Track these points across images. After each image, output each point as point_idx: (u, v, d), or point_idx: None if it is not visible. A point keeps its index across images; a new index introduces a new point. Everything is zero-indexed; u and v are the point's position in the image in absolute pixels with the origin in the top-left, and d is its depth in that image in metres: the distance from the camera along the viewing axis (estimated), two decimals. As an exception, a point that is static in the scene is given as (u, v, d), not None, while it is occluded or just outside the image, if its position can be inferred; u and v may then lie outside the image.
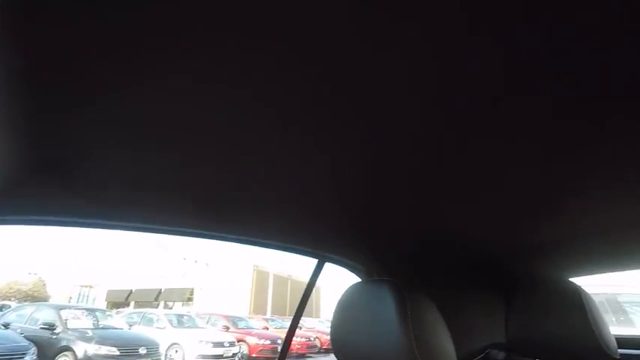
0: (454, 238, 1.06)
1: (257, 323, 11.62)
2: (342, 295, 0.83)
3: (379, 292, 0.74)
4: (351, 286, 0.83)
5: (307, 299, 1.14)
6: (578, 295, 0.99)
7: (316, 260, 1.11)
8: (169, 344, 8.16)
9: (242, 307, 16.26)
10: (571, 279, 1.05)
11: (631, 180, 0.72)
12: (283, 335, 9.78)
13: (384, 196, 0.83)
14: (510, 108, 0.55)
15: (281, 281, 18.12)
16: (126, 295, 18.50)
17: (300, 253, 1.09)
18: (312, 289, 1.14)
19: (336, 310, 0.83)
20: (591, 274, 1.19)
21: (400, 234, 1.03)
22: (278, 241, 1.05)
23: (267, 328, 11.33)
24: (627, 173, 0.70)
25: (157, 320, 9.06)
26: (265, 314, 15.50)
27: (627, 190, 0.75)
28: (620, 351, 0.99)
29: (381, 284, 0.75)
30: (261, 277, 17.85)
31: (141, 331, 8.14)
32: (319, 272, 1.12)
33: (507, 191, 0.79)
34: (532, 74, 0.49)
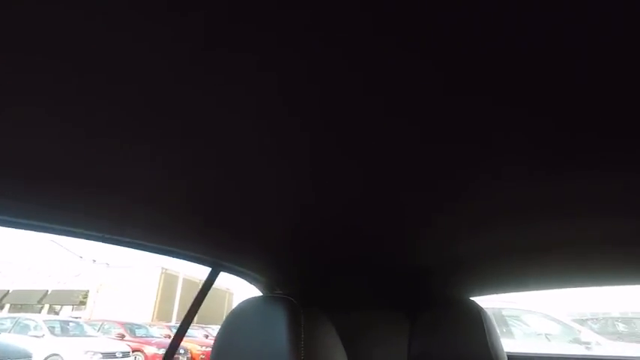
0: (359, 257, 0.99)
1: (159, 331, 10.71)
2: (231, 312, 0.69)
3: (271, 310, 0.62)
4: (241, 303, 0.69)
5: (197, 308, 0.97)
6: (478, 314, 0.97)
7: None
8: (47, 355, 7.05)
9: (144, 313, 14.94)
10: (472, 298, 1.04)
11: (533, 204, 0.69)
12: (189, 345, 9.29)
13: (283, 206, 0.71)
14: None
15: (192, 286, 17.03)
16: (-1, 297, 15.81)
17: (190, 260, 0.91)
18: (203, 297, 0.97)
19: (222, 328, 0.68)
20: (493, 293, 1.20)
21: (301, 248, 0.92)
22: (164, 245, 0.86)
23: (170, 336, 10.49)
24: (527, 198, 0.67)
25: (35, 327, 7.80)
26: (170, 321, 14.39)
27: (530, 213, 0.73)
28: None
29: (273, 302, 0.63)
30: (169, 281, 16.58)
31: (11, 339, 6.92)
32: (213, 280, 0.96)
33: (409, 211, 0.74)
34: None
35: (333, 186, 0.64)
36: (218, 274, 0.95)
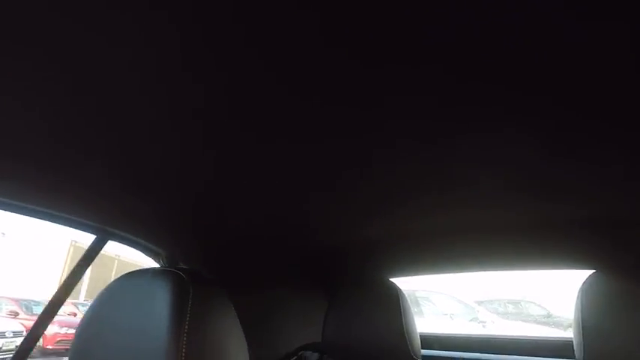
0: (274, 231, 0.91)
1: (63, 308, 9.68)
2: (107, 286, 0.57)
3: (153, 285, 0.52)
4: (121, 276, 0.57)
5: (73, 282, 0.82)
6: (395, 295, 0.96)
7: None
8: None
9: (49, 289, 13.46)
10: (392, 279, 1.03)
11: (457, 186, 0.68)
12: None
13: (182, 174, 0.61)
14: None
15: (105, 261, 15.72)
16: None
17: (72, 226, 0.76)
18: (82, 270, 0.82)
19: (93, 302, 0.56)
20: (411, 275, 1.21)
21: (205, 221, 0.82)
22: (40, 207, 0.69)
23: (75, 315, 9.60)
24: (452, 180, 0.65)
25: None
26: (78, 298, 13.17)
27: (452, 196, 0.72)
28: (423, 351, 1.01)
29: (157, 275, 0.53)
30: (79, 255, 15.09)
31: None
32: (98, 250, 0.81)
33: (328, 189, 0.70)
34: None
35: (233, 162, 0.58)
36: (105, 242, 0.80)
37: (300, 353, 1.18)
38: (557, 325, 5.18)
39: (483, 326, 4.62)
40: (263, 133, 0.52)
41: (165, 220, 0.77)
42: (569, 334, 1.04)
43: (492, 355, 1.09)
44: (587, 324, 0.74)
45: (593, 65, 0.39)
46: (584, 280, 0.79)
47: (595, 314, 0.74)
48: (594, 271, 0.79)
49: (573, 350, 0.80)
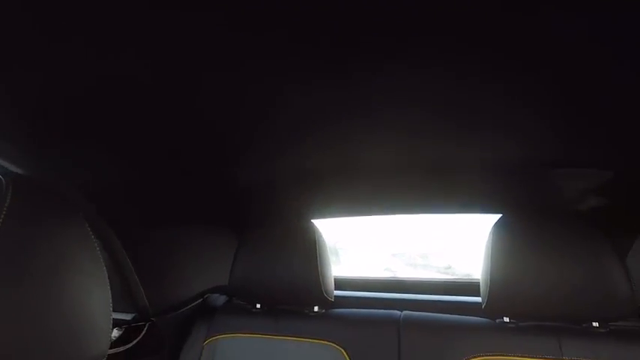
0: (177, 166, 0.79)
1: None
2: None
3: None
4: None
5: None
6: (312, 237, 0.91)
7: None
8: None
9: None
10: (313, 220, 0.97)
11: (368, 123, 0.64)
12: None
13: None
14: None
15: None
16: None
17: None
18: None
19: None
20: (329, 216, 1.17)
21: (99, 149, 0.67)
22: None
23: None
24: (363, 116, 0.61)
25: None
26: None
27: (364, 134, 0.68)
28: (336, 292, 0.99)
29: None
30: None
31: None
32: None
33: (235, 120, 0.64)
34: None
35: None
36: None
37: (206, 296, 1.09)
38: (455, 274, 5.89)
39: (394, 274, 5.05)
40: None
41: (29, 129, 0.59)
42: (475, 277, 1.09)
43: (401, 294, 1.11)
44: (494, 266, 0.76)
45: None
46: (493, 224, 0.81)
47: (501, 256, 0.76)
48: (501, 215, 0.81)
49: (479, 290, 0.82)
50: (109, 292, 0.42)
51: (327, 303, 0.93)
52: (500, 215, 0.81)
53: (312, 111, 0.61)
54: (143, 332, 0.93)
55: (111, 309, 0.42)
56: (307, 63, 0.47)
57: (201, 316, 1.01)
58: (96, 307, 0.41)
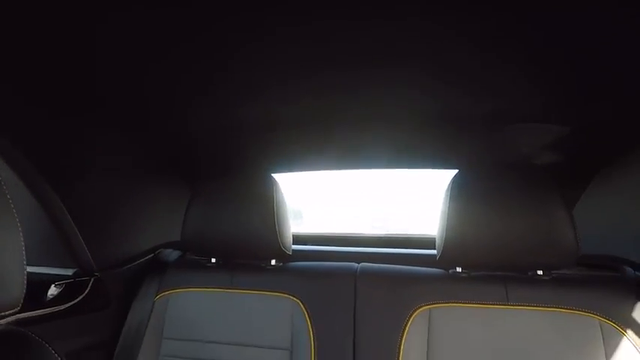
0: (127, 112, 0.73)
1: None
2: None
3: None
4: None
5: None
6: (269, 190, 0.87)
7: None
8: None
9: None
10: (273, 174, 0.93)
11: (327, 71, 0.61)
12: None
13: None
14: None
15: None
16: None
17: None
18: None
19: None
20: (287, 170, 1.13)
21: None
22: None
23: None
24: (323, 63, 0.59)
25: None
26: None
27: (323, 81, 0.65)
28: (294, 246, 0.97)
29: None
30: None
31: None
32: None
33: (189, 67, 0.61)
34: None
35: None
36: None
37: (158, 251, 1.04)
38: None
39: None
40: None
41: None
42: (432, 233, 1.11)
43: (360, 248, 1.12)
44: (450, 219, 0.77)
45: None
46: (450, 179, 0.81)
47: (457, 209, 0.77)
48: (458, 171, 0.81)
49: (434, 245, 0.84)
50: (21, 242, 0.37)
51: (285, 256, 0.91)
52: (456, 171, 0.82)
53: (271, 64, 0.58)
54: (88, 288, 0.87)
55: (23, 259, 0.37)
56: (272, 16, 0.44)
57: (152, 271, 0.97)
58: (7, 258, 0.36)
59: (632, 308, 0.71)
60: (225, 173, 0.93)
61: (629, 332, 0.68)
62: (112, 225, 0.92)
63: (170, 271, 0.95)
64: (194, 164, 1.04)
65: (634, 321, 0.69)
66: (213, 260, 0.95)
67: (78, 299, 0.85)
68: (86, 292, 0.87)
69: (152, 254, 1.03)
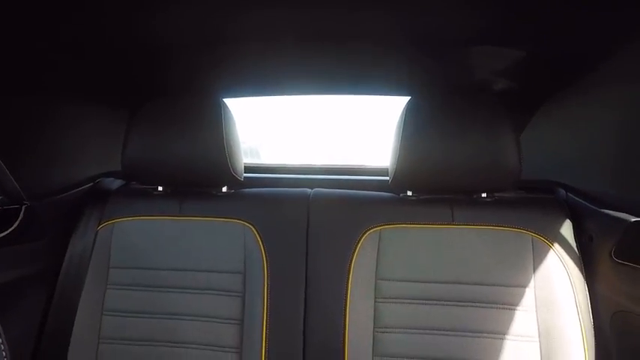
0: (49, 13, 0.61)
1: None
2: None
3: None
4: None
5: None
6: (219, 114, 0.81)
7: None
8: None
9: None
10: (225, 99, 0.86)
11: None
12: None
13: None
14: None
15: None
16: None
17: None
18: None
19: None
20: (243, 95, 1.08)
21: None
22: None
23: None
24: None
25: None
26: None
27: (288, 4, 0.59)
28: (247, 175, 0.95)
29: None
30: None
31: None
32: None
33: None
34: None
35: None
36: None
37: (97, 180, 0.97)
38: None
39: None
40: None
41: None
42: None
43: (312, 175, 1.12)
44: (402, 144, 0.77)
45: None
46: (404, 106, 0.80)
47: (409, 135, 0.77)
48: (410, 97, 0.80)
49: (387, 173, 0.84)
50: None
51: (237, 183, 0.88)
52: (409, 97, 0.81)
53: None
54: (20, 217, 0.80)
55: None
56: None
57: (92, 200, 0.90)
58: None
59: (560, 225, 0.77)
60: (170, 94, 0.85)
61: (556, 245, 0.75)
62: (39, 150, 0.83)
63: (112, 200, 0.89)
64: (134, 85, 0.94)
65: (560, 235, 0.76)
66: (160, 188, 0.90)
67: (10, 229, 0.79)
68: (18, 221, 0.80)
69: (91, 183, 0.96)
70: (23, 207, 0.80)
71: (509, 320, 0.73)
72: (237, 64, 0.88)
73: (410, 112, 0.78)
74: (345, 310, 0.77)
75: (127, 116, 1.00)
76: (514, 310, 0.74)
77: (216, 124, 0.81)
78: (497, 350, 0.73)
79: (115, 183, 0.98)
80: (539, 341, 0.72)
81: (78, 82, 0.86)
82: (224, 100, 0.85)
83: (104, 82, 0.90)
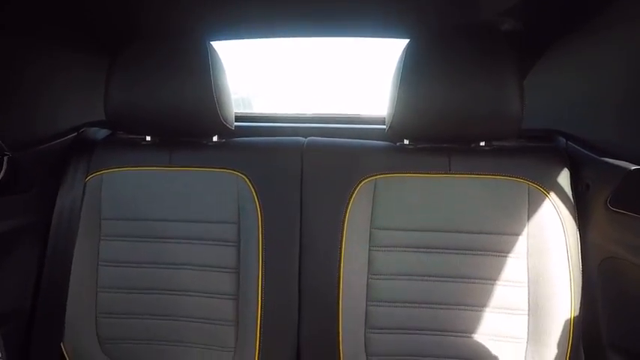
0: None
1: None
2: None
3: None
4: None
5: None
6: (206, 59, 0.76)
7: None
8: None
9: None
10: (213, 42, 0.81)
11: None
12: None
13: None
14: None
15: None
16: None
17: None
18: None
19: None
20: (232, 38, 1.01)
21: None
22: None
23: None
24: None
25: None
26: None
27: None
28: (239, 124, 0.91)
29: None
30: None
31: None
32: None
33: None
34: None
35: None
36: None
37: (82, 130, 0.93)
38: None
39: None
40: None
41: None
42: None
43: (306, 124, 1.09)
44: (401, 91, 0.74)
45: None
46: (402, 50, 0.75)
47: (408, 81, 0.74)
48: (409, 40, 0.75)
49: (383, 122, 0.82)
50: None
51: (228, 132, 0.85)
52: (408, 40, 0.75)
53: None
54: (3, 169, 0.77)
55: None
56: None
57: (77, 150, 0.87)
58: None
59: (558, 174, 0.76)
60: (153, 37, 0.79)
61: (552, 194, 0.75)
62: (17, 100, 0.79)
63: (99, 150, 0.86)
64: (112, 28, 0.87)
65: (557, 184, 0.76)
66: (149, 138, 0.87)
67: None
68: (2, 173, 0.77)
69: (75, 133, 0.92)
70: (5, 158, 0.77)
71: (500, 267, 0.75)
72: (222, 2, 0.81)
73: (408, 55, 0.73)
74: (340, 258, 0.78)
75: (108, 63, 0.94)
76: (506, 257, 0.75)
77: (203, 69, 0.76)
78: (488, 295, 0.75)
79: (101, 133, 0.94)
80: (528, 287, 0.74)
81: (53, 25, 0.79)
82: (211, 43, 0.80)
83: (81, 24, 0.83)
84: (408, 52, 0.74)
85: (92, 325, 0.82)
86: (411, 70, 0.73)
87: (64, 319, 0.81)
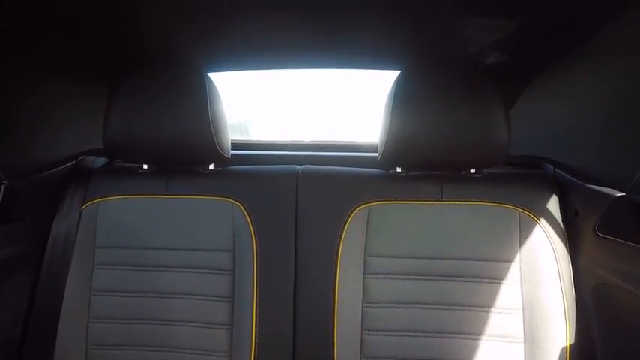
0: None
1: None
2: None
3: None
4: None
5: None
6: (204, 89, 0.79)
7: None
8: None
9: None
10: (210, 73, 0.83)
11: None
12: None
13: None
14: None
15: None
16: None
17: None
18: None
19: None
20: (229, 69, 1.05)
21: None
22: None
23: None
24: None
25: None
26: None
27: None
28: (235, 152, 0.93)
29: None
30: None
31: None
32: None
33: None
34: None
35: None
36: None
37: (80, 158, 0.94)
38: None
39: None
40: None
41: None
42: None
43: (301, 152, 1.11)
44: (393, 120, 0.76)
45: None
46: (394, 80, 0.79)
47: (399, 110, 0.76)
48: (401, 71, 0.78)
49: (376, 149, 0.84)
50: None
51: (224, 160, 0.87)
52: (399, 72, 0.79)
53: None
54: (0, 197, 0.78)
55: None
56: None
57: (75, 179, 0.88)
58: None
59: (547, 200, 0.78)
60: (152, 68, 0.82)
61: (542, 220, 0.76)
62: (17, 128, 0.80)
63: (96, 178, 0.87)
64: (113, 59, 0.90)
65: (547, 210, 0.77)
66: (146, 167, 0.88)
67: None
68: None
69: (73, 162, 0.93)
70: (3, 186, 0.78)
71: (495, 294, 0.75)
72: (220, 35, 0.84)
73: (399, 86, 0.76)
74: (335, 286, 0.78)
75: (107, 92, 0.97)
76: (500, 283, 0.75)
77: (200, 100, 0.78)
78: (483, 323, 0.75)
79: (98, 161, 0.95)
80: (523, 313, 0.74)
81: (54, 56, 0.82)
82: (208, 74, 0.82)
83: (82, 55, 0.86)
84: (399, 83, 0.77)
85: (82, 357, 0.80)
86: (402, 100, 0.76)
87: (54, 351, 0.79)
